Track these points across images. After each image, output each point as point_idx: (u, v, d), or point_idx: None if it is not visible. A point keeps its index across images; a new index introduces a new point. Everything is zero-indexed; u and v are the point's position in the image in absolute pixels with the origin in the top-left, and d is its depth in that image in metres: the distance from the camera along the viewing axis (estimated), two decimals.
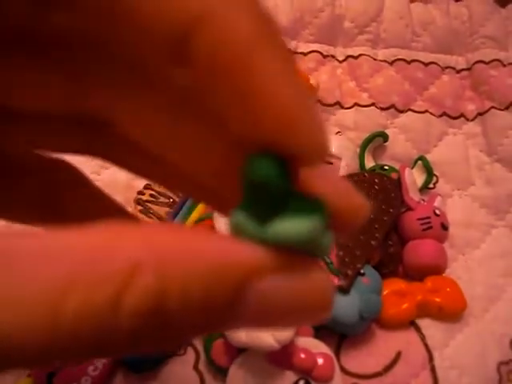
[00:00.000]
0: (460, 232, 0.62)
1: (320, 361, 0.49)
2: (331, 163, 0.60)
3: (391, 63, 0.70)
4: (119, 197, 0.64)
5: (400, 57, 0.70)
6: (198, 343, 0.54)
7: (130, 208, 0.63)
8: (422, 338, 0.54)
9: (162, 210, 0.61)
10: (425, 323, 0.55)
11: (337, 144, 0.62)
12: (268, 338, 0.47)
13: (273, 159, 0.16)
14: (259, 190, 0.16)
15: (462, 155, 0.67)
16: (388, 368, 0.52)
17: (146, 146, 0.20)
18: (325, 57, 0.70)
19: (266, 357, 0.49)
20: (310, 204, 0.16)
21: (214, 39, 0.15)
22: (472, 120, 0.69)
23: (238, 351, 0.50)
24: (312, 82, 0.64)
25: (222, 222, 0.53)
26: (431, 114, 0.68)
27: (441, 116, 0.68)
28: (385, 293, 0.54)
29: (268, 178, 0.16)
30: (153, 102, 0.19)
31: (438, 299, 0.55)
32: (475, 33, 0.71)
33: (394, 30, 0.71)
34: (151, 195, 0.62)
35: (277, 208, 0.16)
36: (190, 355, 0.54)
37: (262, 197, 0.16)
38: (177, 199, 0.61)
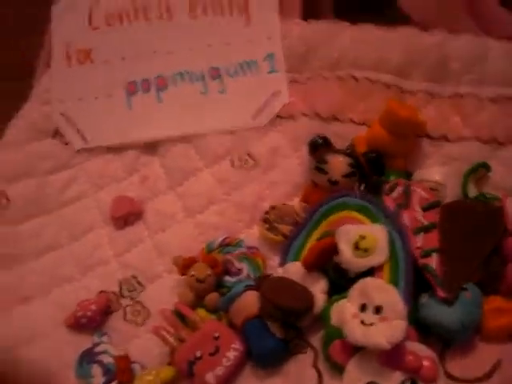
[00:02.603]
0: None
1: (426, 363, 0.56)
2: (438, 191, 0.67)
3: (494, 100, 0.76)
4: (246, 215, 0.74)
5: (504, 94, 0.75)
6: (317, 344, 0.62)
7: (257, 226, 0.72)
8: None
9: (286, 229, 0.69)
10: None
11: (443, 174, 0.69)
12: (381, 338, 0.54)
13: None
14: None
15: None
16: (489, 374, 0.58)
17: None
18: (432, 95, 0.77)
19: (377, 356, 0.56)
20: None
21: None
22: None
23: (354, 350, 0.58)
24: (420, 117, 0.71)
25: (343, 239, 0.61)
26: None
27: None
28: (486, 307, 0.60)
29: None
30: None
31: None
32: None
33: (499, 70, 0.76)
34: (276, 215, 0.71)
35: None
36: (310, 354, 0.62)
37: None
38: (299, 219, 0.70)
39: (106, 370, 0.65)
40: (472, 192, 0.69)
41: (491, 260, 0.63)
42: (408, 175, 0.71)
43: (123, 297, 0.72)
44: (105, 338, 0.68)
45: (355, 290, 0.58)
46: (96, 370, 0.66)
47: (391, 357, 0.56)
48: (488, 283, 0.62)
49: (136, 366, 0.65)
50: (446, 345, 0.60)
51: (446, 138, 0.75)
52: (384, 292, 0.56)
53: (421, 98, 0.77)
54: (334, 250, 0.61)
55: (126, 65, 0.86)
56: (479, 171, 0.71)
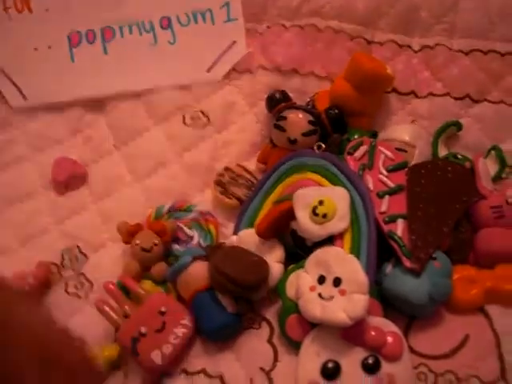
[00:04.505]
0: None
1: (390, 339, 0.51)
2: (406, 151, 0.62)
3: (467, 53, 0.71)
4: (199, 179, 0.68)
5: (476, 47, 0.71)
6: (273, 318, 0.57)
7: (210, 189, 0.67)
8: (490, 323, 0.55)
9: (241, 192, 0.64)
10: (494, 309, 0.56)
11: (411, 132, 0.63)
12: (341, 313, 0.49)
13: None
14: None
15: None
16: (455, 350, 0.54)
17: None
18: (401, 46, 0.72)
19: (338, 332, 0.51)
20: None
21: None
22: None
23: (311, 326, 0.53)
24: (388, 70, 0.65)
25: (300, 204, 0.55)
26: (507, 104, 0.68)
27: None
28: (455, 278, 0.55)
29: None
30: None
31: (508, 286, 0.55)
32: None
33: (471, 20, 0.71)
34: (230, 177, 0.65)
35: None
36: (265, 329, 0.57)
37: None
38: (255, 181, 0.64)
39: None
40: (442, 152, 0.65)
41: (461, 226, 0.58)
42: (373, 134, 0.66)
43: (64, 268, 0.66)
44: None
45: (312, 259, 0.53)
46: None
47: (352, 332, 0.51)
48: (457, 251, 0.57)
49: None
50: (410, 318, 0.55)
51: (414, 94, 0.70)
52: (344, 262, 0.51)
53: (388, 50, 0.72)
54: (290, 215, 0.56)
55: (69, 14, 0.78)
56: (450, 130, 0.66)
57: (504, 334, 0.54)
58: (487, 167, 0.62)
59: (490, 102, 0.69)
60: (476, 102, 0.69)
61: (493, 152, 0.65)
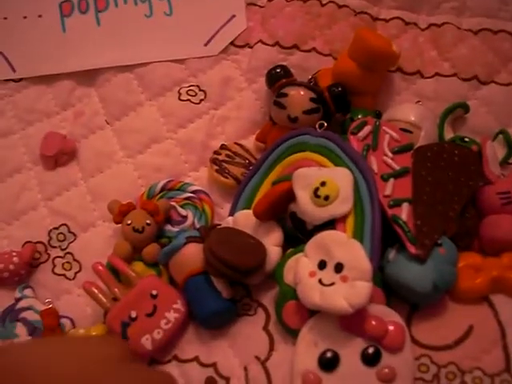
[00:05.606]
0: None
1: (391, 329, 0.49)
2: (411, 132, 0.59)
3: (476, 33, 0.68)
4: (194, 156, 0.65)
5: (486, 26, 0.68)
6: (269, 304, 0.55)
7: (206, 167, 0.64)
8: (495, 313, 0.53)
9: (238, 171, 0.61)
10: (498, 299, 0.53)
11: (417, 113, 0.61)
12: (341, 300, 0.47)
13: None
14: None
15: None
16: (459, 341, 0.52)
17: None
18: (407, 24, 0.69)
19: (337, 321, 0.49)
20: None
21: None
22: None
23: (309, 313, 0.50)
24: (394, 48, 0.62)
25: (301, 185, 0.53)
26: None
27: None
28: (460, 265, 0.53)
29: None
30: None
31: None
32: None
33: None
34: (227, 155, 0.62)
35: None
36: (261, 316, 0.55)
37: None
38: (253, 161, 0.62)
39: (32, 329, 0.58)
40: (448, 134, 0.62)
41: (467, 212, 0.56)
42: (378, 115, 0.63)
43: (52, 247, 0.63)
44: (28, 292, 0.60)
45: (313, 244, 0.51)
46: (20, 329, 0.58)
47: (352, 321, 0.49)
48: (462, 238, 0.55)
49: (66, 322, 0.58)
50: (413, 307, 0.53)
51: (420, 74, 0.67)
52: (346, 247, 0.49)
53: (393, 27, 0.69)
54: (290, 196, 0.53)
55: None
56: (457, 112, 0.64)
57: (509, 324, 0.52)
58: (495, 151, 0.60)
59: (498, 83, 0.66)
60: (484, 83, 0.66)
61: (500, 136, 0.62)
